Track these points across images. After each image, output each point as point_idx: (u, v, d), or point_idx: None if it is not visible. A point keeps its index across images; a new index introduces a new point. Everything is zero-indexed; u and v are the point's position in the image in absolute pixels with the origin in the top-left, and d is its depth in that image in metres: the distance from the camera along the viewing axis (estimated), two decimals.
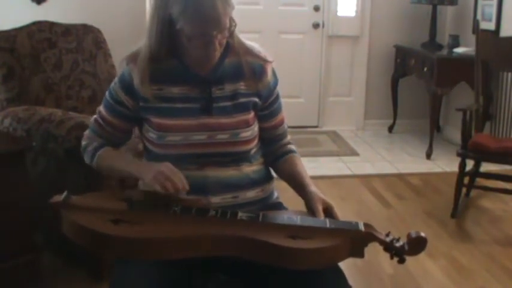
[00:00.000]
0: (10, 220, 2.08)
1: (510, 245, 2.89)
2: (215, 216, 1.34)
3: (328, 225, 1.33)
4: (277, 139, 1.65)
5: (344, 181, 3.82)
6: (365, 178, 3.88)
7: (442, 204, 3.34)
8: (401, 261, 1.33)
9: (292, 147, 1.66)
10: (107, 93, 1.55)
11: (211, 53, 1.41)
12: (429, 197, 3.54)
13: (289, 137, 1.68)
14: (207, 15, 1.35)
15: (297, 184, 1.54)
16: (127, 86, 1.48)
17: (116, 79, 1.53)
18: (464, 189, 3.31)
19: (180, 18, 1.37)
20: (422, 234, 1.31)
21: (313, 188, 1.49)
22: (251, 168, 1.54)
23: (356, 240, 1.30)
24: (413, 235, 1.31)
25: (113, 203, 1.37)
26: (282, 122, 1.64)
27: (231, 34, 1.46)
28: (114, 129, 1.55)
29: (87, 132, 1.60)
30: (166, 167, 1.38)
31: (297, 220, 1.35)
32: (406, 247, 1.32)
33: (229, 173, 1.50)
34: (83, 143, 1.60)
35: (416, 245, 1.31)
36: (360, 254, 1.32)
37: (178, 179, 1.36)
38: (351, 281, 1.41)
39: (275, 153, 1.64)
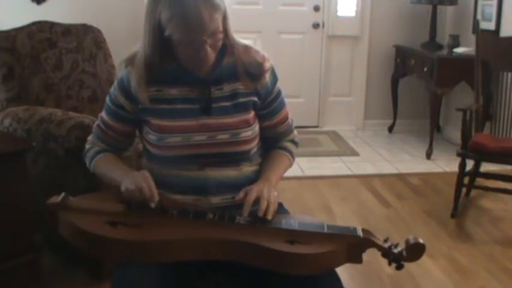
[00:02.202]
0: (10, 220, 2.08)
1: (510, 245, 2.89)
2: (212, 219, 1.34)
3: (326, 231, 1.33)
4: (281, 137, 1.65)
5: (344, 181, 3.82)
6: (365, 178, 3.88)
7: (442, 204, 3.34)
8: (400, 267, 1.33)
9: (288, 144, 1.65)
10: (107, 98, 1.56)
11: (202, 57, 1.40)
12: (429, 197, 3.54)
13: (294, 134, 1.68)
14: (192, 22, 1.35)
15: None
16: (125, 89, 1.49)
17: (115, 83, 1.53)
18: (464, 189, 3.30)
19: (168, 25, 1.37)
20: (421, 240, 1.30)
21: (261, 181, 1.47)
22: (251, 169, 1.54)
23: (354, 246, 1.30)
24: (412, 241, 1.30)
25: (111, 204, 1.37)
26: (284, 120, 1.63)
27: (226, 35, 1.46)
28: (116, 133, 1.55)
29: (90, 137, 1.61)
30: (141, 175, 1.40)
31: (295, 225, 1.35)
32: (404, 253, 1.31)
33: (229, 173, 1.50)
34: (86, 147, 1.60)
35: (415, 251, 1.31)
36: (357, 259, 1.31)
37: (147, 188, 1.36)
38: (350, 282, 1.41)
39: (271, 147, 1.64)
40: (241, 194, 1.42)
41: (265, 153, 1.64)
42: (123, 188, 1.39)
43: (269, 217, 1.36)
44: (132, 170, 1.50)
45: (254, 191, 1.40)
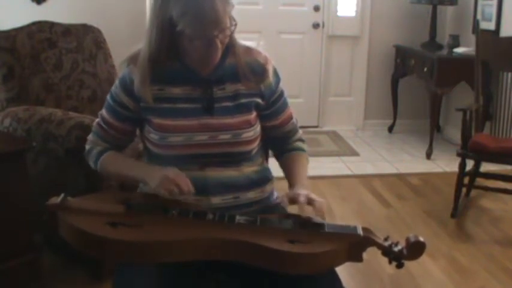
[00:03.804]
0: (10, 220, 2.08)
1: (510, 245, 2.89)
2: (213, 219, 1.34)
3: (326, 230, 1.33)
4: (287, 136, 1.65)
5: (344, 181, 3.82)
6: (365, 178, 3.88)
7: (442, 204, 3.34)
8: (400, 266, 1.33)
9: (300, 144, 1.66)
10: (108, 96, 1.55)
11: (213, 53, 1.41)
12: (429, 197, 3.54)
13: (300, 133, 1.68)
14: (207, 16, 1.35)
15: (289, 183, 1.54)
16: (128, 87, 1.49)
17: (117, 82, 1.53)
18: (464, 189, 3.30)
19: (181, 20, 1.37)
20: (421, 238, 1.30)
21: (298, 186, 1.47)
22: (251, 169, 1.54)
23: (354, 245, 1.30)
24: (412, 240, 1.30)
25: (111, 205, 1.37)
26: (289, 119, 1.64)
27: (232, 34, 1.46)
28: (116, 131, 1.55)
29: (90, 136, 1.60)
30: (172, 172, 1.39)
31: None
32: (405, 252, 1.31)
33: (229, 173, 1.50)
34: (87, 147, 1.60)
35: (415, 249, 1.30)
36: (358, 258, 1.31)
37: (184, 182, 1.37)
38: (350, 281, 1.41)
39: (283, 149, 1.65)
40: (286, 201, 1.40)
41: (279, 155, 1.64)
42: (159, 190, 1.37)
43: (324, 219, 1.35)
44: (150, 164, 1.51)
45: (302, 195, 1.38)
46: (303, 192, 1.40)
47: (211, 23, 1.36)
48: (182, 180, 1.37)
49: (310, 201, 1.37)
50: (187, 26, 1.37)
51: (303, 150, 1.65)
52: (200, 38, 1.38)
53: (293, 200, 1.39)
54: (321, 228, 1.32)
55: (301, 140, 1.68)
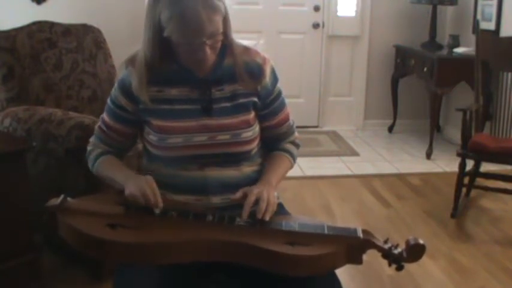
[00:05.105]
0: (10, 220, 2.08)
1: (510, 245, 2.89)
2: (212, 221, 1.34)
3: (326, 232, 1.33)
4: (282, 138, 1.64)
5: (344, 181, 3.82)
6: (365, 178, 3.88)
7: (442, 204, 3.34)
8: (400, 268, 1.33)
9: (289, 146, 1.65)
10: (108, 99, 1.56)
11: (201, 58, 1.41)
12: (429, 197, 3.54)
13: (295, 136, 1.67)
14: (190, 24, 1.35)
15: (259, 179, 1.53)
16: (126, 90, 1.49)
17: (116, 85, 1.53)
18: (464, 189, 3.30)
19: (167, 25, 1.38)
20: (421, 241, 1.30)
21: (261, 183, 1.48)
22: (251, 168, 1.55)
23: (354, 247, 1.30)
24: (412, 242, 1.30)
25: (111, 207, 1.37)
26: (285, 120, 1.63)
27: (226, 37, 1.46)
28: (117, 134, 1.55)
29: (92, 139, 1.61)
30: (144, 180, 1.39)
31: (295, 226, 1.35)
32: (405, 254, 1.31)
33: (229, 173, 1.50)
34: (88, 149, 1.60)
35: (415, 252, 1.31)
36: (358, 260, 1.31)
37: (152, 195, 1.36)
38: (351, 282, 1.41)
39: (272, 149, 1.64)
40: (238, 195, 1.41)
41: (266, 154, 1.64)
42: (127, 192, 1.39)
43: (267, 218, 1.36)
44: (135, 172, 1.50)
45: (254, 193, 1.40)
46: (258, 189, 1.41)
47: (195, 31, 1.36)
48: (151, 192, 1.37)
49: (257, 200, 1.38)
50: (173, 32, 1.37)
51: (289, 152, 1.64)
52: (185, 44, 1.38)
53: (245, 196, 1.40)
54: (263, 224, 1.34)
55: (293, 143, 1.66)
